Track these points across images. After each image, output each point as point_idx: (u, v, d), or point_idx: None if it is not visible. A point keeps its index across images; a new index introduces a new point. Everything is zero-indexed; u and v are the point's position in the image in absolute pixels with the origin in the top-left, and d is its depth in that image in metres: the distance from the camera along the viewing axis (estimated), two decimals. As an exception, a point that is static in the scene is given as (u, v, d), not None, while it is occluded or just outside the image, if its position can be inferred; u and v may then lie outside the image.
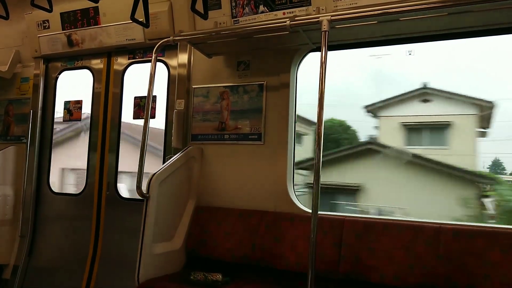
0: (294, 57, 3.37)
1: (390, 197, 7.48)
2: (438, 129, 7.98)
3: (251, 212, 3.30)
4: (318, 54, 3.24)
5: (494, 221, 6.55)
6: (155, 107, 3.99)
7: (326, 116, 2.49)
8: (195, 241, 3.34)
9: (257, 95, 3.48)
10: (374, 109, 8.54)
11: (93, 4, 3.76)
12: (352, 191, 7.69)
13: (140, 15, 3.12)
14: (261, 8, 3.12)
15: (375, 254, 2.75)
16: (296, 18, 2.76)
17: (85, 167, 4.29)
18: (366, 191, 7.66)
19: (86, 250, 4.10)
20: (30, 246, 4.38)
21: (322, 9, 2.87)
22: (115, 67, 4.27)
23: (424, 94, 8.13)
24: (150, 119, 3.26)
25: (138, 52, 4.15)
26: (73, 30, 4.19)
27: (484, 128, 7.59)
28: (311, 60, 3.39)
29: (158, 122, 3.98)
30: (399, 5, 2.47)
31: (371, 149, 8.26)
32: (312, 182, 2.47)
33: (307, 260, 2.52)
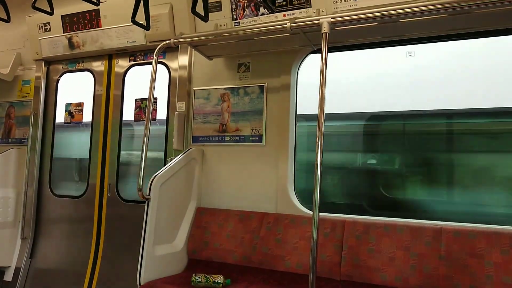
0: (295, 59, 3.38)
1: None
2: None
3: (252, 213, 3.30)
4: (318, 55, 3.26)
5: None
6: (156, 109, 4.00)
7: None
8: (196, 243, 3.34)
9: (257, 97, 3.49)
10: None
11: (94, 7, 3.77)
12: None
13: (141, 18, 3.13)
14: (262, 10, 3.13)
15: (376, 255, 2.75)
16: (297, 20, 2.76)
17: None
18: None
19: (88, 252, 4.11)
20: (32, 249, 4.38)
21: (322, 11, 2.88)
22: (116, 69, 4.28)
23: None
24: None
25: (139, 54, 4.16)
26: (74, 32, 4.20)
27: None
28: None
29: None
30: (399, 7, 2.48)
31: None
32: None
33: (308, 262, 2.53)
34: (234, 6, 3.22)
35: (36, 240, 4.41)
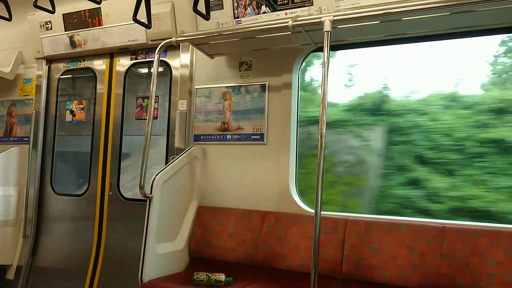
0: (297, 57, 3.37)
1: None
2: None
3: (253, 212, 3.30)
4: (320, 54, 3.25)
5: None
6: (157, 108, 4.00)
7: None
8: (198, 241, 3.35)
9: (259, 95, 3.48)
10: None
11: (96, 5, 3.77)
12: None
13: (142, 16, 3.12)
14: (263, 8, 3.13)
15: (378, 254, 2.75)
16: (299, 19, 2.75)
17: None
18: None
19: (89, 251, 4.11)
20: (33, 247, 4.39)
21: (324, 9, 2.87)
22: (118, 68, 4.28)
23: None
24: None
25: (140, 53, 4.15)
26: (75, 31, 4.20)
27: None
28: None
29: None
30: (401, 5, 2.47)
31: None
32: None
33: (310, 260, 2.52)
34: (235, 4, 3.22)
35: (37, 238, 4.42)
